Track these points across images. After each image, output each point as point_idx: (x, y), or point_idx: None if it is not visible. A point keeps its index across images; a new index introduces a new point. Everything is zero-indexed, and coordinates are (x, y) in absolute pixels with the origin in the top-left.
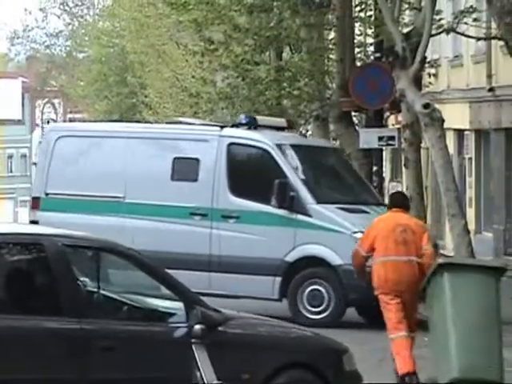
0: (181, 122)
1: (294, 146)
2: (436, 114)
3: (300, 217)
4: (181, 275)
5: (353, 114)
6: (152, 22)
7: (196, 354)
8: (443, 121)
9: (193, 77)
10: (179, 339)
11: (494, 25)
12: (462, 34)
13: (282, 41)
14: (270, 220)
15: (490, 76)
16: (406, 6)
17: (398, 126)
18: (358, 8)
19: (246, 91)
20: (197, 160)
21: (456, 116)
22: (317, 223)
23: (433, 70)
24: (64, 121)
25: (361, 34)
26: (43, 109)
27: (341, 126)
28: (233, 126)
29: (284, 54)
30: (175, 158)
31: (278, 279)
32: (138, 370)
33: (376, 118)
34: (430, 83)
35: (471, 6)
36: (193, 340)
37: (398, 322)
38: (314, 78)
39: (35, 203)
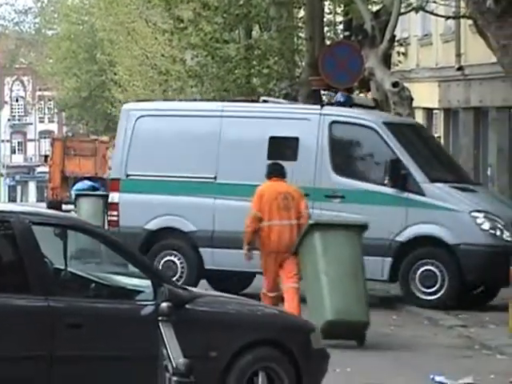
0: (266, 101)
1: (395, 125)
2: (405, 92)
3: (412, 196)
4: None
5: (322, 92)
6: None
7: (162, 332)
8: (412, 99)
9: (162, 55)
10: (146, 317)
11: (462, 3)
12: (431, 13)
13: (252, 19)
14: (378, 199)
15: (459, 55)
16: None
17: None
18: None
19: (216, 69)
20: (296, 139)
21: (425, 95)
22: (432, 202)
23: (402, 49)
24: (33, 98)
25: (330, 13)
26: (12, 86)
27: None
28: (327, 105)
29: (253, 33)
30: (271, 137)
31: (388, 260)
32: (105, 348)
33: None
34: (399, 62)
35: None
36: (159, 318)
37: (274, 282)
38: (283, 57)
39: (115, 185)
